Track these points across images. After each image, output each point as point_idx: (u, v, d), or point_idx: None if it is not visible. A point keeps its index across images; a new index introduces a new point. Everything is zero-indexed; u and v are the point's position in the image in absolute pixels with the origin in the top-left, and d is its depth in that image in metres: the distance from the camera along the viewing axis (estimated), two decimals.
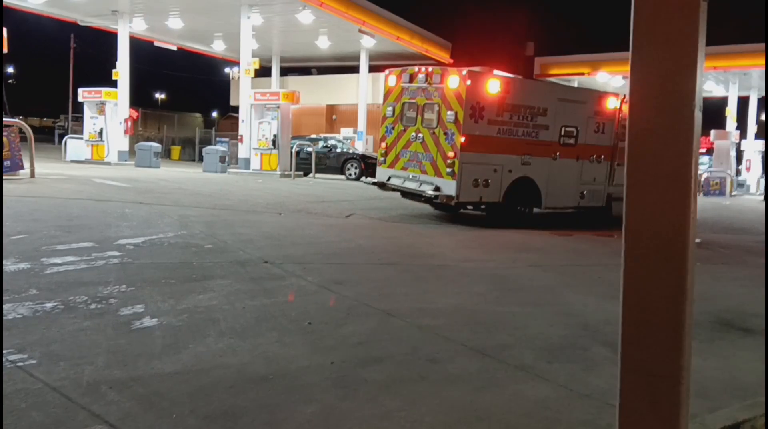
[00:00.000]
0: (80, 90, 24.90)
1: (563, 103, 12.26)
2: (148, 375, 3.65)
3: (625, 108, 12.80)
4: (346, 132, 30.10)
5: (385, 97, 12.49)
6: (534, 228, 11.75)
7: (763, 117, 34.85)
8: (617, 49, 28.15)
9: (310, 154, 21.73)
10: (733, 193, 27.49)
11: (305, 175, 22.05)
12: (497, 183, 11.49)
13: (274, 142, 21.44)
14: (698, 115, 1.84)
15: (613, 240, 11.12)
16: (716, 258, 9.77)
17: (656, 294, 1.90)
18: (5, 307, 4.58)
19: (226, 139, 28.82)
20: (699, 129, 1.87)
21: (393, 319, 5.08)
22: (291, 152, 21.39)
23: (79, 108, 29.14)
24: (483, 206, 12.02)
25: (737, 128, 30.88)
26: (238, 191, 14.69)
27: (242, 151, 22.32)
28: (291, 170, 21.12)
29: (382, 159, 12.46)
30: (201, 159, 24.58)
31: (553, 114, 12.03)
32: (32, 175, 13.88)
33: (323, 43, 27.23)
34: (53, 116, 62.41)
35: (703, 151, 32.21)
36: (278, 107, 21.57)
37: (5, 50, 15.08)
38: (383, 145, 12.45)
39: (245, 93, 22.25)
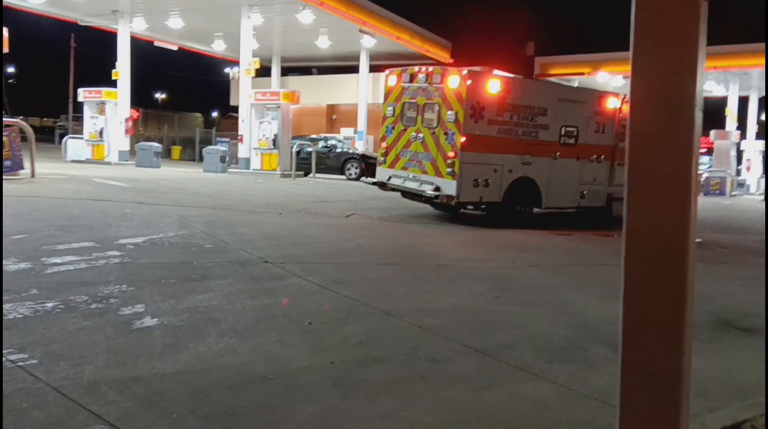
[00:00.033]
0: (80, 90, 24.92)
1: (563, 103, 12.27)
2: (148, 375, 3.65)
3: (626, 108, 12.79)
4: (346, 132, 30.10)
5: (386, 97, 12.49)
6: (534, 228, 11.75)
7: (763, 117, 34.84)
8: (617, 49, 28.17)
9: (310, 153, 21.73)
10: (733, 193, 27.50)
11: (305, 174, 22.05)
12: (497, 183, 11.49)
13: (274, 141, 21.46)
14: (699, 115, 1.84)
15: (613, 240, 11.12)
16: (716, 258, 9.77)
17: (657, 294, 1.90)
18: (5, 307, 4.58)
19: (227, 139, 28.84)
20: (700, 129, 1.87)
21: (393, 319, 5.08)
22: (291, 152, 21.39)
23: (79, 108, 29.14)
24: (483, 206, 12.03)
25: (737, 128, 30.90)
26: (238, 191, 14.69)
27: (242, 151, 22.34)
28: (291, 170, 21.12)
29: (383, 159, 12.46)
30: (201, 159, 24.59)
31: (553, 114, 12.03)
32: (33, 174, 13.88)
33: (323, 43, 27.24)
34: (54, 116, 62.38)
35: (703, 150, 32.18)
36: (278, 107, 21.59)
37: (5, 50, 15.07)
38: (383, 144, 12.46)
39: (245, 93, 22.26)
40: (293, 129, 23.31)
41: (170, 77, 63.19)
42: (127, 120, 24.08)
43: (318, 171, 21.68)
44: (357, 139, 27.75)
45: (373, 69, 28.71)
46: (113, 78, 24.20)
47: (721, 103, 31.70)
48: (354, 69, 29.96)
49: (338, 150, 22.98)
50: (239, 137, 22.58)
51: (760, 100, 33.05)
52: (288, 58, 32.53)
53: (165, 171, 21.41)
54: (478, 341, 4.66)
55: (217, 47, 30.25)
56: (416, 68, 12.04)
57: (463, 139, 10.93)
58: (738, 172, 31.82)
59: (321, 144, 23.16)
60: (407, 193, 12.22)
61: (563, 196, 12.59)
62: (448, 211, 12.92)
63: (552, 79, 30.40)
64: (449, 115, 11.09)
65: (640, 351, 1.93)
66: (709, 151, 31.42)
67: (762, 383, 3.87)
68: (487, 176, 11.34)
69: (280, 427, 3.17)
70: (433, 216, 12.61)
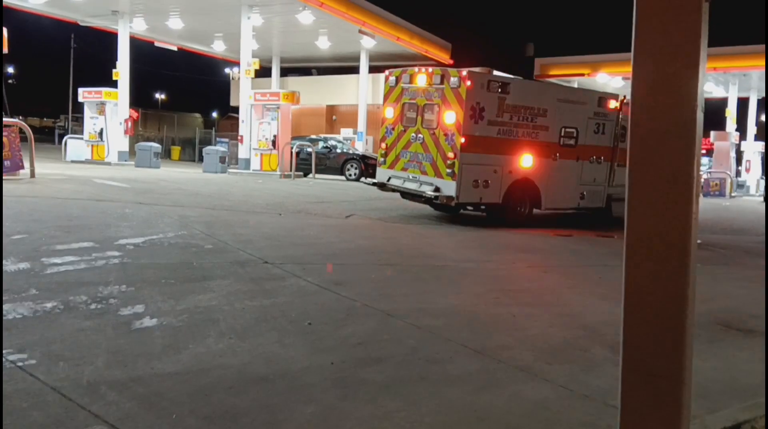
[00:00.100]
0: (80, 90, 24.91)
1: (563, 104, 12.27)
2: (148, 375, 3.65)
3: (625, 109, 12.81)
4: (346, 132, 30.10)
5: (385, 97, 12.49)
6: (534, 229, 11.75)
7: (762, 118, 34.86)
8: (617, 50, 28.18)
9: (310, 154, 21.73)
10: (732, 194, 27.50)
11: (305, 175, 22.04)
12: (497, 183, 11.49)
13: (273, 142, 21.46)
14: (700, 116, 1.84)
15: (613, 241, 11.13)
16: (716, 259, 9.77)
17: (658, 295, 1.89)
18: (5, 307, 4.57)
19: (226, 140, 28.84)
20: (701, 130, 1.86)
21: (393, 320, 5.08)
22: (291, 152, 21.39)
23: (79, 108, 29.16)
24: (483, 207, 12.03)
25: (737, 129, 30.90)
26: (237, 192, 14.69)
27: (242, 152, 22.34)
28: (291, 171, 21.12)
29: (382, 159, 12.46)
30: (201, 159, 24.58)
31: (553, 115, 12.03)
32: (32, 175, 13.87)
33: (323, 44, 27.24)
34: (53, 116, 62.45)
35: (703, 152, 32.19)
36: (278, 107, 21.59)
37: (5, 50, 15.07)
38: (383, 145, 12.45)
39: (245, 93, 22.26)
40: (293, 129, 23.30)
41: (170, 77, 63.31)
42: (126, 120, 24.07)
43: (318, 171, 21.67)
44: (357, 140, 27.74)
45: (373, 70, 28.69)
46: (113, 78, 24.19)
47: (721, 104, 31.72)
48: (354, 70, 29.95)
49: (338, 150, 22.97)
50: (239, 138, 22.59)
51: (760, 101, 33.05)
52: (288, 58, 32.52)
53: (164, 171, 21.40)
54: (478, 342, 4.66)
55: (217, 48, 30.25)
56: (416, 69, 12.04)
57: (462, 139, 10.93)
58: (738, 174, 31.83)
59: (321, 144, 23.15)
60: (407, 194, 12.22)
61: (563, 197, 12.59)
62: (447, 211, 12.91)
63: (552, 79, 30.41)
64: (449, 116, 11.09)
65: (641, 352, 1.93)
66: (709, 153, 31.44)
67: (762, 384, 3.87)
68: (487, 177, 11.34)
69: (280, 427, 3.17)
70: (432, 217, 12.61)
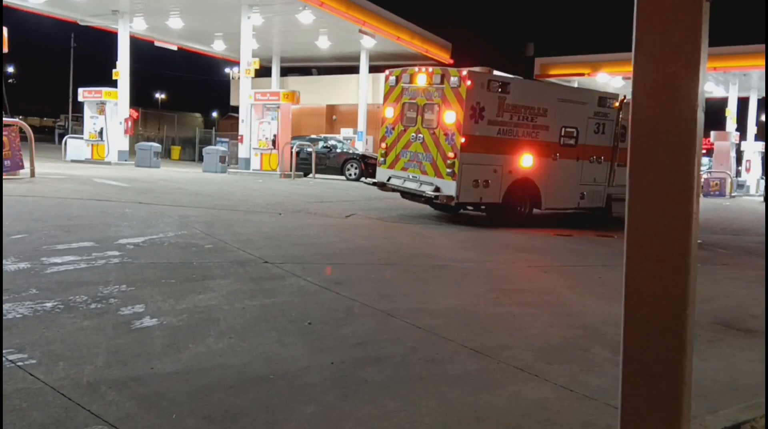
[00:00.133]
0: (80, 90, 24.92)
1: (563, 104, 12.27)
2: (147, 375, 3.65)
3: (626, 108, 12.81)
4: (346, 132, 30.10)
5: (386, 97, 12.49)
6: (534, 228, 11.75)
7: (763, 118, 34.86)
8: (617, 50, 28.20)
9: (310, 154, 21.73)
10: (732, 194, 27.51)
11: (305, 175, 22.04)
12: (497, 183, 11.49)
13: (274, 142, 21.46)
14: (701, 116, 1.84)
15: (613, 240, 11.13)
16: (716, 259, 9.78)
17: (658, 295, 1.89)
18: (5, 306, 4.57)
19: (226, 139, 28.84)
20: (701, 129, 1.86)
21: (392, 320, 5.08)
22: (291, 152, 21.39)
23: (79, 108, 29.16)
24: (483, 207, 12.03)
25: (737, 129, 30.91)
26: (238, 191, 14.69)
27: (242, 151, 22.35)
28: (291, 170, 21.12)
29: (382, 159, 12.47)
30: (201, 159, 24.58)
31: (553, 114, 12.03)
32: (32, 174, 13.88)
33: (323, 44, 27.24)
34: (53, 116, 62.44)
35: (703, 151, 32.16)
36: (278, 107, 21.60)
37: (5, 50, 15.07)
38: (383, 145, 12.46)
39: (245, 93, 22.26)
40: (293, 129, 23.30)
41: (170, 77, 63.34)
42: (126, 120, 24.08)
43: (318, 171, 21.68)
44: (357, 140, 27.74)
45: (373, 69, 28.69)
46: (113, 78, 24.19)
47: (721, 104, 31.72)
48: (354, 69, 29.95)
49: (338, 150, 22.98)
50: (239, 137, 22.59)
51: (760, 101, 33.06)
52: (288, 58, 32.52)
53: (164, 171, 21.40)
54: (478, 342, 4.66)
55: (217, 47, 30.25)
56: (416, 69, 12.04)
57: (462, 139, 10.93)
58: (738, 173, 31.84)
59: (321, 144, 23.16)
60: (407, 194, 12.22)
61: (563, 196, 12.59)
62: (447, 211, 12.91)
63: (552, 79, 30.41)
64: (449, 115, 11.09)
65: (642, 352, 1.92)
66: (709, 152, 31.44)
67: (762, 384, 3.87)
68: (487, 177, 11.34)
69: (280, 427, 3.17)
70: (432, 216, 12.61)
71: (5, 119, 14.27)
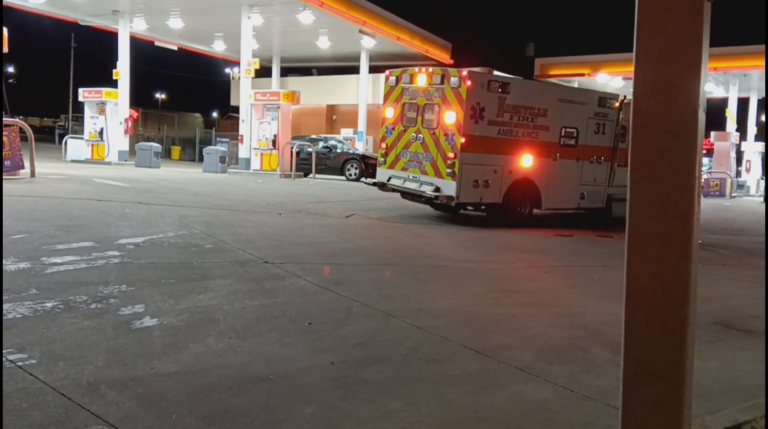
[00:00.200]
0: (80, 90, 24.93)
1: (563, 104, 12.26)
2: (147, 375, 3.65)
3: (626, 109, 12.81)
4: (346, 132, 30.10)
5: (386, 97, 12.49)
6: (534, 229, 11.75)
7: (763, 118, 34.87)
8: (617, 50, 28.20)
9: (310, 154, 21.73)
10: (732, 194, 27.51)
11: (305, 175, 22.04)
12: (497, 183, 11.49)
13: (274, 142, 21.46)
14: (702, 116, 1.84)
15: (613, 241, 11.13)
16: (716, 259, 9.77)
17: (659, 295, 1.89)
18: (5, 306, 4.57)
19: (227, 139, 28.85)
20: (703, 130, 1.86)
21: (392, 320, 5.08)
22: (291, 152, 21.39)
23: (79, 108, 29.18)
24: (483, 207, 12.03)
25: (737, 130, 30.91)
26: (238, 191, 14.69)
27: (242, 151, 22.35)
28: (291, 170, 21.12)
29: (383, 159, 12.46)
30: (201, 159, 24.59)
31: (553, 115, 12.03)
32: (32, 174, 13.87)
33: (323, 44, 27.24)
34: (53, 116, 62.47)
35: (704, 152, 32.11)
36: (278, 107, 21.60)
37: (5, 50, 15.06)
38: (383, 145, 12.45)
39: (245, 93, 22.27)
40: (293, 129, 23.30)
41: (170, 77, 63.33)
42: (126, 120, 24.08)
43: (318, 171, 21.68)
44: (357, 140, 27.74)
45: (373, 70, 28.69)
46: (113, 78, 24.20)
47: (721, 104, 31.72)
48: (354, 69, 29.95)
49: (338, 150, 22.97)
50: (239, 137, 22.59)
51: (760, 101, 33.06)
52: (288, 58, 32.53)
53: (165, 171, 21.40)
54: (478, 342, 4.66)
55: (217, 47, 30.25)
56: (416, 69, 12.04)
57: (463, 139, 10.93)
58: (738, 174, 31.83)
59: (321, 144, 23.15)
60: (407, 194, 12.22)
61: (563, 197, 12.59)
62: (447, 211, 12.91)
63: (552, 79, 30.41)
64: (449, 115, 11.09)
65: (642, 352, 1.92)
66: (709, 153, 31.43)
67: (762, 384, 3.87)
68: (487, 177, 11.34)
69: (280, 427, 3.17)
70: (432, 217, 12.60)
71: (5, 119, 14.27)
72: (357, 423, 3.26)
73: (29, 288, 5.11)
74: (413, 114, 11.81)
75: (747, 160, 32.46)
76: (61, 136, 33.12)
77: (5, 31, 14.84)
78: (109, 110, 24.02)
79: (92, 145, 24.14)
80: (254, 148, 21.92)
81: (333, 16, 23.00)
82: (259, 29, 24.06)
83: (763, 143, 30.95)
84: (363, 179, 21.39)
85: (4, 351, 3.75)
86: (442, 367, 4.13)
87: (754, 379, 4.18)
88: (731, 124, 30.67)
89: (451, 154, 11.05)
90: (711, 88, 30.67)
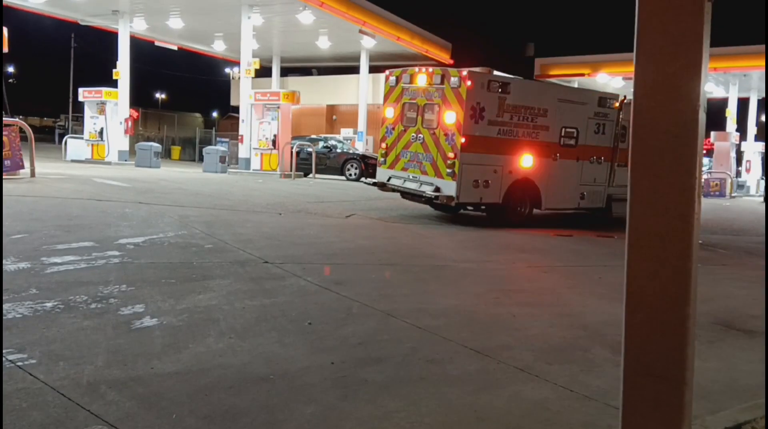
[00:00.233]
0: (80, 90, 24.93)
1: (563, 104, 12.26)
2: (147, 375, 3.65)
3: (626, 109, 12.81)
4: (346, 132, 30.10)
5: (386, 97, 12.49)
6: (534, 229, 11.75)
7: (763, 118, 34.87)
8: (617, 50, 28.21)
9: (310, 154, 21.73)
10: (732, 195, 27.52)
11: (305, 175, 22.04)
12: (497, 183, 11.49)
13: (274, 142, 21.47)
14: (702, 116, 1.84)
15: (613, 241, 11.13)
16: (716, 259, 9.77)
17: (659, 295, 1.89)
18: (5, 306, 4.57)
19: (227, 139, 28.85)
20: (703, 130, 1.86)
21: (393, 320, 5.08)
22: (291, 152, 21.39)
23: (79, 108, 29.17)
24: (483, 207, 12.03)
25: (737, 130, 30.91)
26: (238, 191, 14.69)
27: (242, 151, 22.36)
28: (291, 170, 21.12)
29: (383, 159, 12.46)
30: (201, 159, 24.58)
31: (553, 115, 12.03)
32: (32, 174, 13.87)
33: (323, 44, 27.24)
34: (53, 116, 62.47)
35: (704, 152, 32.12)
36: (278, 107, 21.60)
37: (5, 50, 15.06)
38: (383, 145, 12.45)
39: (245, 93, 22.27)
40: (293, 129, 23.30)
41: (170, 77, 63.33)
42: (126, 120, 24.08)
43: (318, 171, 21.68)
44: (357, 140, 27.74)
45: (373, 70, 28.69)
46: (113, 78, 24.20)
47: (721, 104, 31.73)
48: (354, 69, 29.95)
49: (338, 150, 22.97)
50: (239, 137, 22.59)
51: (760, 101, 33.07)
52: (288, 58, 32.53)
53: (165, 171, 21.40)
54: (478, 342, 4.66)
55: (217, 47, 30.25)
56: (416, 69, 12.03)
57: (463, 139, 10.92)
58: (738, 174, 31.84)
59: (321, 144, 23.16)
60: (407, 194, 12.22)
61: (563, 197, 12.59)
62: (447, 211, 12.91)
63: (552, 80, 30.41)
64: (449, 115, 11.09)
65: (643, 352, 1.92)
66: (709, 153, 31.42)
67: (762, 384, 3.86)
68: (487, 177, 11.34)
69: (280, 427, 3.17)
70: (433, 217, 12.60)
71: (5, 119, 14.27)
72: (357, 423, 3.26)
73: (29, 288, 5.11)
74: (413, 114, 11.81)
75: (747, 160, 32.47)
76: (61, 136, 33.12)
77: (5, 31, 14.84)
78: (109, 110, 24.02)
79: (92, 145, 24.14)
80: (254, 148, 21.93)
81: (333, 16, 23.01)
82: (259, 29, 24.06)
83: (763, 143, 30.95)
84: (363, 179, 21.39)
85: (4, 351, 3.75)
86: (442, 367, 4.13)
87: (754, 379, 4.18)
88: (731, 124, 30.67)
89: (451, 154, 11.05)
90: (711, 88, 30.66)
